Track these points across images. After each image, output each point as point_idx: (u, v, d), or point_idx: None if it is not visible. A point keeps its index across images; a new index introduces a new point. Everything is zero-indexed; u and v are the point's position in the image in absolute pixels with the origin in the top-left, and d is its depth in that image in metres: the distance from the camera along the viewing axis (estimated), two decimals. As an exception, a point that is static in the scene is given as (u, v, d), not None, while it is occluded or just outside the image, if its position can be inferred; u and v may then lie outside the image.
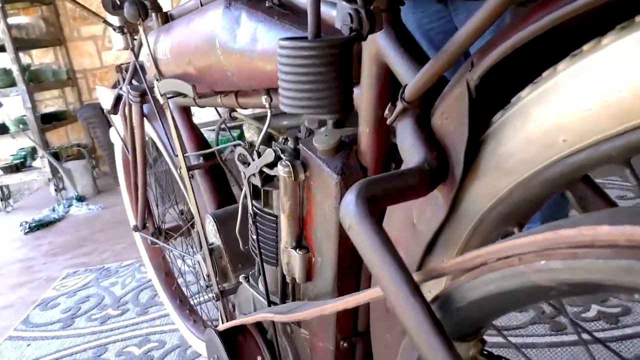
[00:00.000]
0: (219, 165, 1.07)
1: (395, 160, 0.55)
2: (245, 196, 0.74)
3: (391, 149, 0.57)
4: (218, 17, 0.68)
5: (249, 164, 0.70)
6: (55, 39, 4.08)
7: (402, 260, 0.33)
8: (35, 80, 3.75)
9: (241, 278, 0.86)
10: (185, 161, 0.97)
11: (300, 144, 0.60)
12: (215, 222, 0.95)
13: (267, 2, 0.63)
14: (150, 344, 1.59)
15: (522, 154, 0.35)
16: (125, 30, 1.13)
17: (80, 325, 1.80)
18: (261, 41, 0.61)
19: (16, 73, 3.43)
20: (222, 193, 1.06)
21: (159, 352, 1.54)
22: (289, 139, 0.67)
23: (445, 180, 0.40)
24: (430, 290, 0.44)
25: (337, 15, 0.39)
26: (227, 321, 0.89)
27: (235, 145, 0.76)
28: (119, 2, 1.00)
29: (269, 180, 0.71)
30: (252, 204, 0.73)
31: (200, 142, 1.07)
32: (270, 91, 0.67)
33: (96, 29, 4.19)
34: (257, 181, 0.70)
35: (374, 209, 0.36)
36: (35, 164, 3.79)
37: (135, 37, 1.12)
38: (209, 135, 1.17)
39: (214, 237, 0.97)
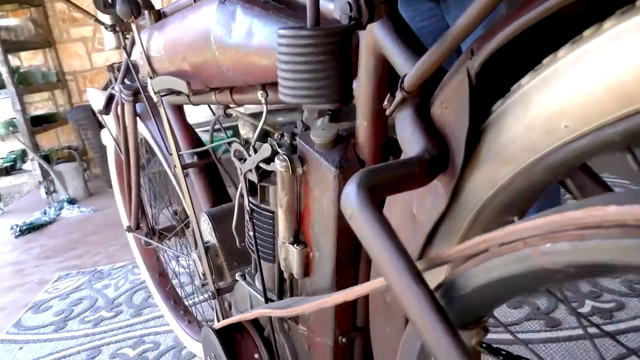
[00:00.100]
0: (213, 163, 1.07)
1: (392, 154, 0.55)
2: (241, 192, 0.74)
3: (388, 143, 0.57)
4: (212, 13, 0.67)
5: (245, 159, 0.70)
6: (45, 40, 4.05)
7: (405, 249, 0.33)
8: (25, 83, 3.71)
9: (237, 276, 0.85)
10: (179, 159, 0.96)
11: (297, 138, 0.60)
12: (210, 220, 0.95)
13: (262, -4, 0.62)
14: (144, 346, 1.58)
15: (523, 142, 0.35)
16: (117, 28, 1.12)
17: (73, 327, 1.78)
18: (257, 35, 0.61)
19: (5, 75, 3.40)
20: (217, 191, 1.06)
21: (154, 353, 1.53)
22: (285, 134, 0.67)
23: (445, 169, 0.40)
24: (431, 279, 0.43)
25: (335, 4, 0.39)
26: (223, 320, 0.88)
27: (229, 143, 0.76)
28: (110, 0, 0.99)
29: (265, 176, 0.70)
30: (249, 200, 0.72)
31: (194, 140, 1.07)
32: (266, 86, 0.67)
33: (86, 31, 4.17)
34: (253, 177, 0.69)
35: (375, 199, 0.36)
36: (25, 166, 3.76)
37: (127, 35, 1.12)
38: (202, 136, 1.16)
39: (210, 236, 0.96)
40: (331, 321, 0.64)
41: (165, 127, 0.94)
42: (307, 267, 0.65)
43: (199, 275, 1.00)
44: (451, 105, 0.39)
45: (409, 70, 0.42)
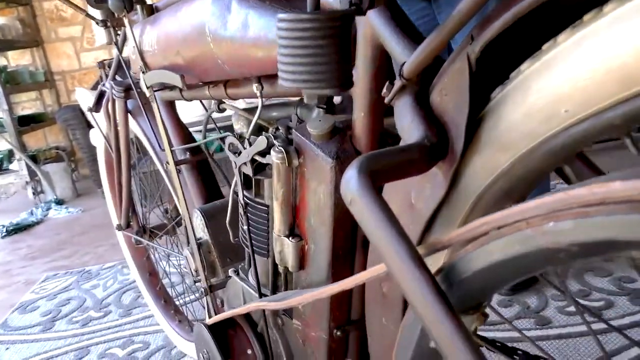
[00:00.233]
0: (205, 160, 1.06)
1: (389, 146, 0.55)
2: (236, 186, 0.73)
3: (385, 135, 0.57)
4: (207, 5, 0.67)
5: (239, 153, 0.70)
6: (32, 40, 4.01)
7: (406, 233, 0.33)
8: (12, 82, 3.68)
9: (231, 271, 0.85)
10: (172, 155, 0.96)
11: (293, 130, 0.60)
12: (203, 216, 0.94)
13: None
14: (134, 345, 1.57)
15: (522, 127, 0.35)
16: (109, 24, 1.11)
17: (61, 328, 1.76)
18: (253, 27, 0.61)
19: (-8, 74, 3.37)
20: (209, 188, 1.05)
21: (143, 353, 1.52)
22: (280, 128, 0.66)
23: (445, 157, 0.40)
24: (430, 265, 0.43)
25: (335, -9, 0.39)
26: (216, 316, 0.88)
27: (222, 139, 0.75)
28: (102, -5, 0.99)
29: (260, 169, 0.70)
30: (243, 194, 0.72)
31: (186, 137, 1.06)
32: (262, 79, 0.67)
33: (74, 30, 4.14)
34: (248, 170, 0.69)
35: (375, 184, 0.35)
36: (12, 167, 3.72)
37: (119, 31, 1.11)
38: (195, 136, 1.16)
39: (202, 232, 0.96)
40: (326, 314, 0.63)
41: (157, 122, 0.94)
42: (302, 260, 0.64)
43: (192, 271, 0.99)
44: (451, 92, 0.39)
45: (408, 58, 0.42)
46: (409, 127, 0.40)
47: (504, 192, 0.39)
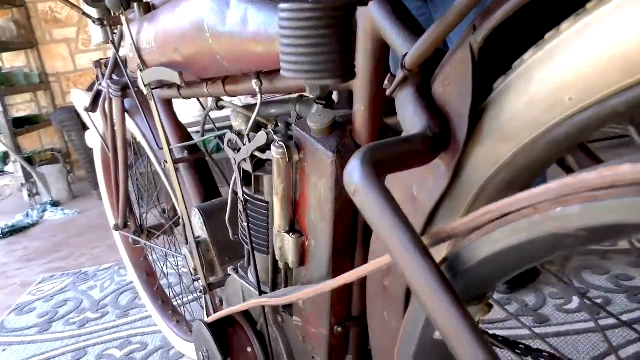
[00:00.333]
0: (203, 159, 1.06)
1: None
2: (235, 183, 0.73)
3: (385, 129, 0.57)
4: (206, 0, 0.67)
5: (239, 149, 0.70)
6: (27, 42, 4.00)
7: (410, 223, 0.33)
8: (7, 84, 3.66)
9: (230, 269, 0.85)
10: (170, 154, 0.95)
11: (293, 125, 0.60)
12: (201, 215, 0.94)
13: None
14: (131, 346, 1.56)
15: (525, 117, 0.35)
16: (105, 22, 1.11)
17: (57, 329, 1.75)
18: (252, 22, 0.60)
19: (-14, 76, 3.35)
20: (208, 187, 1.05)
21: (141, 354, 1.51)
22: (279, 124, 0.66)
23: (447, 148, 0.40)
24: (434, 256, 0.43)
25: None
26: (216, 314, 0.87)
27: (221, 137, 0.75)
28: (99, -7, 0.98)
29: (259, 166, 0.70)
30: (243, 191, 0.72)
31: (184, 135, 1.06)
32: (261, 75, 0.67)
33: (69, 32, 4.13)
34: (248, 166, 0.69)
35: (379, 174, 0.35)
36: (7, 169, 3.70)
37: (115, 30, 1.10)
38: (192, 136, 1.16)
39: (201, 231, 0.95)
40: (327, 310, 0.63)
41: (155, 120, 0.93)
42: (302, 256, 0.64)
43: (190, 270, 0.98)
44: (453, 83, 0.39)
45: (409, 50, 0.42)
46: (411, 119, 0.40)
47: (507, 183, 0.39)
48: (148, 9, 0.92)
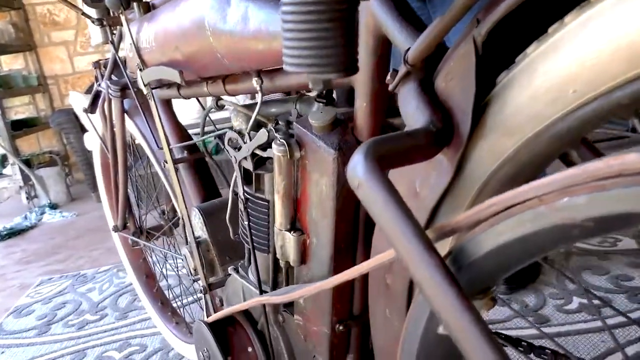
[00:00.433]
0: (203, 159, 1.06)
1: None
2: (235, 182, 0.73)
3: (386, 127, 0.57)
4: (207, -1, 0.67)
5: (239, 148, 0.69)
6: (25, 44, 3.99)
7: (414, 216, 0.33)
8: (5, 86, 3.66)
9: (230, 269, 0.84)
10: (170, 154, 0.95)
11: (294, 123, 0.59)
12: (201, 215, 0.93)
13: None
14: (131, 348, 1.55)
15: (528, 111, 0.35)
16: (105, 22, 1.10)
17: (56, 331, 1.74)
18: (253, 20, 0.60)
19: (-15, 79, 3.35)
20: (207, 187, 1.05)
21: (141, 355, 1.50)
22: (280, 122, 0.66)
23: (450, 142, 0.40)
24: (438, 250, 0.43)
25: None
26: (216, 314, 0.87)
27: (221, 138, 0.75)
28: (98, -7, 0.98)
29: (260, 164, 0.70)
30: (244, 189, 0.71)
31: (184, 135, 1.06)
32: (261, 73, 0.66)
33: (67, 34, 4.12)
34: (248, 165, 0.69)
35: (382, 168, 0.35)
36: (5, 171, 3.69)
37: (115, 30, 1.10)
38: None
39: (201, 231, 0.95)
40: (328, 309, 0.63)
41: (155, 120, 0.93)
42: (303, 255, 0.64)
43: (190, 270, 0.98)
44: (457, 76, 0.39)
45: (411, 45, 0.42)
46: (413, 113, 0.40)
47: (510, 178, 0.39)
48: (148, 8, 0.92)
